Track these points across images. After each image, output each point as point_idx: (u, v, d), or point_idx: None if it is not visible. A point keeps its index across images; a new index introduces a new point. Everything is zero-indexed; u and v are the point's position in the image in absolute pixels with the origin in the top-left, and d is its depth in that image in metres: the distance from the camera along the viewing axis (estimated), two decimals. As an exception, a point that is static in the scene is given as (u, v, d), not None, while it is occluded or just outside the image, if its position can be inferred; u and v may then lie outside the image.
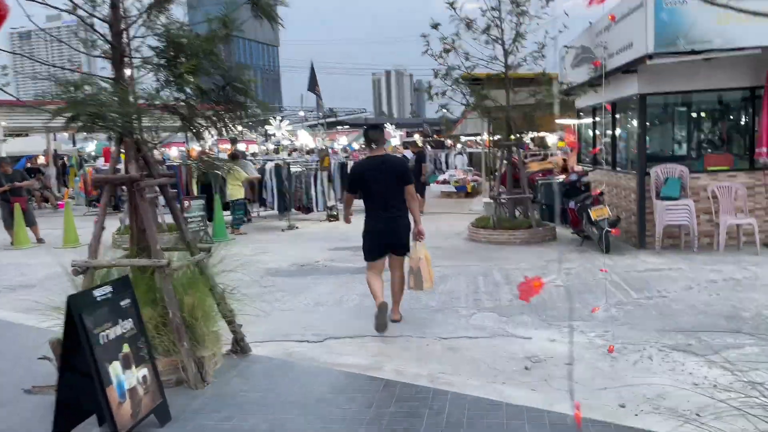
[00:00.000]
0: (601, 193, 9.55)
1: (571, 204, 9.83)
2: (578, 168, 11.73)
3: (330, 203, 14.52)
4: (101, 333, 3.35)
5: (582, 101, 11.80)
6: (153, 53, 4.26)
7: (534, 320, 5.81)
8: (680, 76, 8.78)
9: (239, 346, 4.90)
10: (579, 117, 13.33)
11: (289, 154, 27.73)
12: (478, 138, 34.72)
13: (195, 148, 23.77)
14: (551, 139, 31.15)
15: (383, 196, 5.63)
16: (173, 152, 28.79)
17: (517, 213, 11.21)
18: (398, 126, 54.20)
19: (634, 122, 9.77)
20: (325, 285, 7.60)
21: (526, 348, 5.03)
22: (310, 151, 29.65)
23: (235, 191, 12.61)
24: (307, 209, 14.39)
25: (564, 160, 18.72)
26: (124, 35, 4.37)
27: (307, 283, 7.75)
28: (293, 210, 14.22)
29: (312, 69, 22.57)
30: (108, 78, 4.37)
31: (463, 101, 11.09)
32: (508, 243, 10.07)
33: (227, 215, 12.87)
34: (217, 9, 4.51)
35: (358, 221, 5.97)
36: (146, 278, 4.42)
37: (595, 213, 8.87)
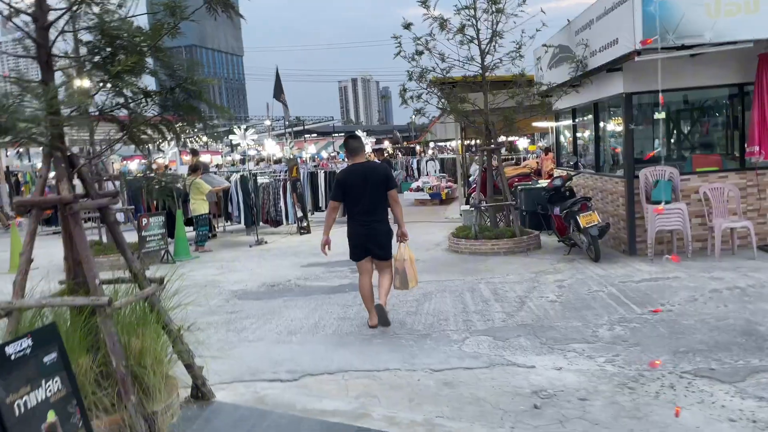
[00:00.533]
0: (589, 199, 9.06)
1: (556, 210, 9.32)
2: (560, 172, 11.25)
3: (299, 214, 13.76)
4: (16, 402, 2.63)
5: (561, 103, 11.34)
6: (85, 50, 3.55)
7: (533, 344, 5.22)
8: (667, 74, 8.34)
9: (200, 392, 4.20)
10: (557, 120, 12.90)
11: (256, 164, 26.86)
12: (448, 144, 34.41)
13: (159, 160, 22.71)
14: (522, 143, 30.98)
15: (365, 203, 5.79)
16: (134, 165, 27.70)
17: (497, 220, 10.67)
18: (368, 133, 53.63)
19: (618, 123, 9.35)
20: (298, 308, 6.91)
21: (531, 380, 4.42)
22: (277, 161, 28.81)
23: (199, 206, 11.82)
24: (276, 222, 13.65)
25: (537, 163, 18.34)
26: (52, 30, 3.66)
27: (279, 306, 7.05)
28: (261, 223, 13.46)
29: (277, 76, 21.68)
30: (33, 81, 3.65)
31: (439, 105, 10.52)
32: (491, 253, 9.50)
33: (190, 231, 12.07)
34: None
35: (333, 233, 5.99)
36: (84, 318, 3.69)
37: (584, 220, 8.37)
